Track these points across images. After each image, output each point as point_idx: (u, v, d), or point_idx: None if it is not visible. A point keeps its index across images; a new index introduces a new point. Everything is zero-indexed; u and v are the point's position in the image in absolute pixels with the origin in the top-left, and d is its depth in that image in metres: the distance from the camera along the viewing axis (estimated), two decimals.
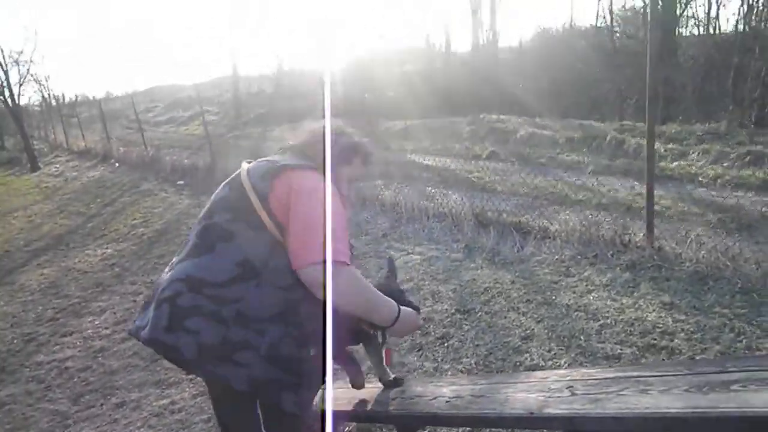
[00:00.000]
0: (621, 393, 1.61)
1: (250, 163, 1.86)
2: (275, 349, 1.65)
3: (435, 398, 2.08)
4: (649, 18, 4.78)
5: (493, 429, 2.45)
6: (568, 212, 5.52)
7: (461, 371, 3.08)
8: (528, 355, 3.15)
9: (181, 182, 10.43)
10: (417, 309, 1.96)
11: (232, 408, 1.91)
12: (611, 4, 19.63)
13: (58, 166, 16.74)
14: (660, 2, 11.04)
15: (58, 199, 11.49)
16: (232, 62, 23.80)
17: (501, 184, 7.52)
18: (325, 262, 1.58)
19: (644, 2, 14.58)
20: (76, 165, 15.99)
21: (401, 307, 1.84)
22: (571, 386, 1.76)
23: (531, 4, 49.60)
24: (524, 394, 1.85)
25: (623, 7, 19.96)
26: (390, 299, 1.83)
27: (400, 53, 23.27)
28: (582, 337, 3.21)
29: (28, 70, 25.97)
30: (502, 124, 11.21)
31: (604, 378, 1.75)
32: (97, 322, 4.72)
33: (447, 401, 2.01)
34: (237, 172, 1.83)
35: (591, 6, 48.46)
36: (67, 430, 3.23)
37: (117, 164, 14.00)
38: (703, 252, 3.82)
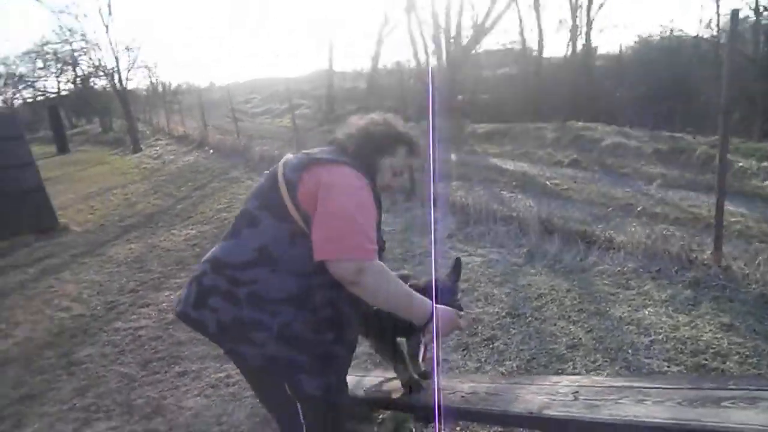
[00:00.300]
0: (619, 401, 1.64)
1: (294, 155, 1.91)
2: (287, 329, 1.72)
3: (453, 393, 2.16)
4: (729, 30, 4.59)
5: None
6: (638, 225, 5.37)
7: (502, 373, 3.12)
8: (571, 363, 3.14)
9: (267, 171, 10.83)
10: (459, 309, 1.97)
11: (261, 386, 2.02)
12: (718, 15, 18.70)
13: (157, 149, 17.71)
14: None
15: (154, 180, 12.21)
16: (328, 57, 24.18)
17: (577, 192, 7.40)
18: (347, 257, 1.63)
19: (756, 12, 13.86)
20: (173, 149, 16.87)
21: (437, 306, 1.83)
22: (577, 391, 1.80)
23: (632, 11, 47.70)
24: (533, 395, 1.90)
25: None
26: (422, 298, 1.82)
27: (496, 55, 23.12)
28: (630, 351, 3.17)
29: (136, 57, 27.55)
30: (588, 132, 10.96)
31: (609, 386, 1.78)
32: (172, 297, 5.01)
33: (462, 396, 2.09)
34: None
35: (695, 16, 46.23)
36: (133, 391, 3.50)
37: (211, 151, 14.67)
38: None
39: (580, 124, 11.69)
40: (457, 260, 2.34)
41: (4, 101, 43.98)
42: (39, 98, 41.19)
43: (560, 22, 19.82)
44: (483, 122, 13.98)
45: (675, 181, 7.86)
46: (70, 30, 23.40)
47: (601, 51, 21.83)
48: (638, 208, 6.24)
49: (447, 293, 2.03)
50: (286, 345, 1.73)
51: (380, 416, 2.80)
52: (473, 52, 18.53)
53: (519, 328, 3.59)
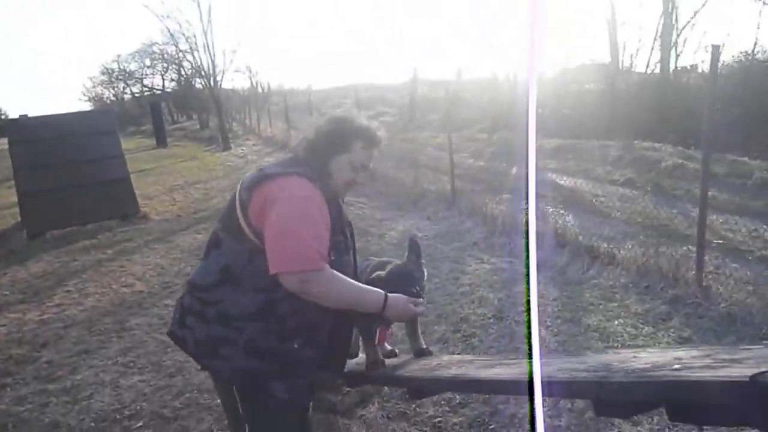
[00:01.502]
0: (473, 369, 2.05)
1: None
2: (253, 343, 1.84)
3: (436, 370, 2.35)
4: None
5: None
6: (643, 244, 5.57)
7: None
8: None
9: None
10: (416, 295, 2.07)
11: (228, 395, 2.27)
12: None
13: (244, 148, 18.82)
14: None
15: (235, 177, 13.09)
16: (412, 66, 24.76)
17: (619, 211, 7.56)
18: (289, 270, 1.75)
19: None
20: (258, 149, 17.90)
21: (389, 295, 1.95)
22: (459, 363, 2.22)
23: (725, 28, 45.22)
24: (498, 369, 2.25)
25: None
26: (374, 290, 1.95)
27: (586, 70, 22.95)
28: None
29: (232, 60, 29.23)
30: (651, 153, 10.93)
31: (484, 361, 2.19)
32: None
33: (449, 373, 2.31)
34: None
35: None
36: (165, 355, 4.13)
37: (291, 154, 15.50)
38: (742, 293, 3.88)
39: (647, 143, 11.66)
40: (411, 240, 2.42)
41: (115, 95, 47.46)
42: (146, 93, 44.13)
43: (655, 38, 19.35)
44: (559, 137, 14.08)
45: (724, 204, 7.86)
46: (171, 34, 25.02)
47: (688, 67, 21.26)
48: (673, 229, 6.39)
49: (406, 280, 2.16)
50: (253, 357, 1.85)
51: (347, 389, 3.28)
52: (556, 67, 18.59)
53: (497, 329, 3.98)
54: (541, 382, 1.50)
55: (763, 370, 1.04)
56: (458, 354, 3.65)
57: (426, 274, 2.40)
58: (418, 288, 2.16)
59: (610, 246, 5.20)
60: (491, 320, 4.12)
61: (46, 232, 8.31)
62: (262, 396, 1.92)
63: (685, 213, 7.60)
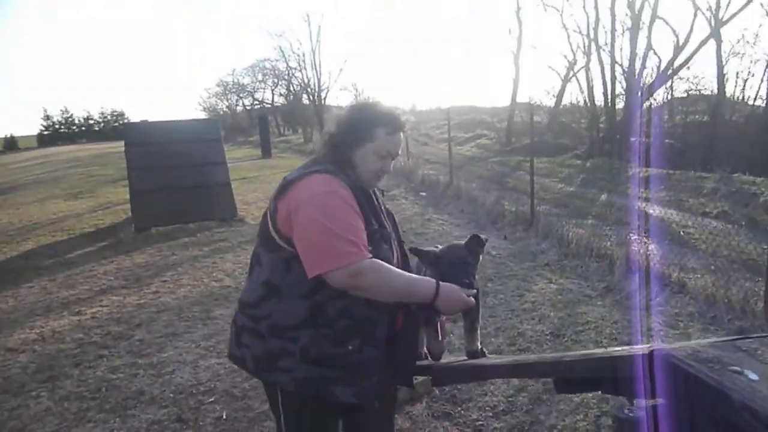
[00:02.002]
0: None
1: None
2: (307, 351, 1.79)
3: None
4: None
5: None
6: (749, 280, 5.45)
7: None
8: None
9: (423, 193, 11.78)
10: (468, 286, 1.93)
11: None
12: None
13: None
14: None
15: None
16: (511, 92, 24.72)
17: (706, 243, 7.37)
18: (335, 266, 1.69)
19: None
20: None
21: (440, 284, 1.83)
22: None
23: None
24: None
25: None
26: (424, 278, 1.87)
27: (688, 100, 22.19)
28: None
29: (337, 78, 30.34)
30: (749, 186, 10.52)
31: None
32: None
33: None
34: None
35: None
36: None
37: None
38: None
39: (745, 177, 11.21)
40: (474, 236, 2.16)
41: (228, 106, 50.14)
42: (256, 106, 46.39)
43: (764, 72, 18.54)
44: (658, 167, 13.75)
45: None
46: (283, 52, 26.33)
47: None
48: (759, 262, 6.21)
49: (459, 266, 1.99)
50: (312, 365, 1.80)
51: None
52: (658, 97, 18.10)
53: (552, 345, 4.08)
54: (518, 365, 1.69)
55: (659, 346, 1.21)
56: None
57: (479, 262, 2.15)
58: (470, 279, 1.98)
59: (681, 274, 5.15)
60: (548, 337, 4.23)
61: (151, 228, 9.06)
62: (328, 402, 1.86)
63: None
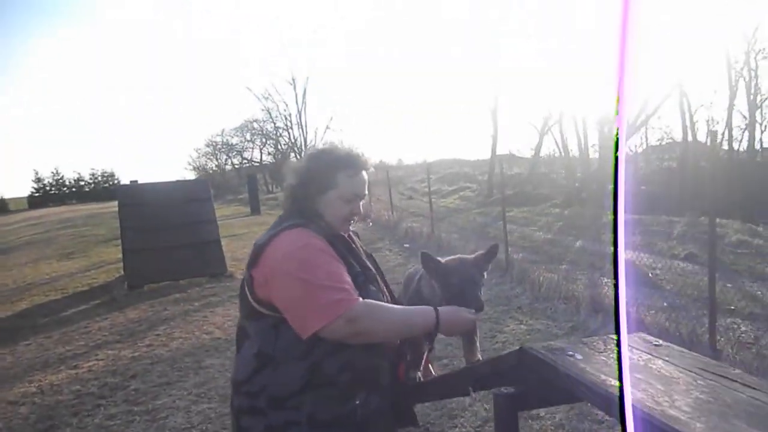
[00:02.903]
0: None
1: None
2: (314, 416, 1.70)
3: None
4: None
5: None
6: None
7: None
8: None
9: (407, 245, 12.18)
10: (480, 308, 1.87)
11: None
12: None
13: None
14: None
15: None
16: (491, 146, 25.53)
17: (671, 283, 7.80)
18: (328, 319, 1.61)
19: None
20: None
21: (439, 310, 1.77)
22: None
23: None
24: None
25: None
26: (421, 308, 1.81)
27: (665, 147, 23.03)
28: None
29: (322, 137, 31.25)
30: (717, 229, 11.03)
31: None
32: None
33: None
34: None
35: None
36: None
37: (371, 223, 16.38)
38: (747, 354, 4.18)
39: (717, 220, 11.73)
40: (493, 248, 2.05)
41: (218, 165, 50.84)
42: (245, 165, 47.14)
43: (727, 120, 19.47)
44: (632, 212, 14.25)
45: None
46: (270, 113, 27.13)
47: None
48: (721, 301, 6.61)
49: (470, 287, 1.91)
50: (322, 429, 1.72)
51: None
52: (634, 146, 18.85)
53: None
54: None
55: (528, 345, 1.63)
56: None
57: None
58: (480, 299, 1.90)
59: (639, 312, 5.53)
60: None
61: (144, 285, 9.37)
62: None
63: (742, 287, 7.74)
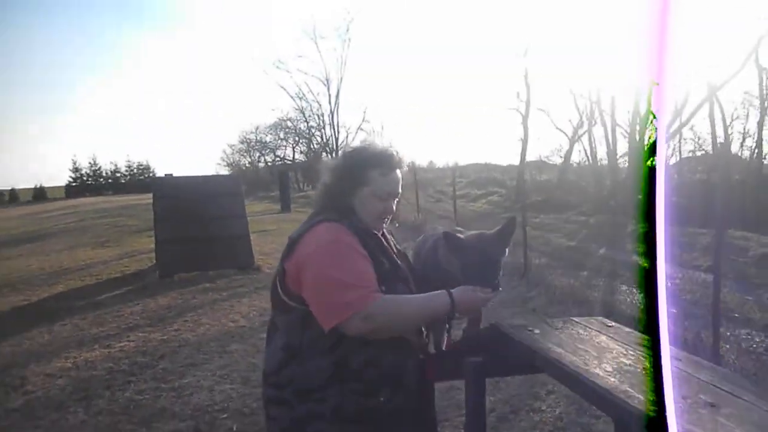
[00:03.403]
0: None
1: None
2: (339, 410, 1.73)
3: None
4: None
5: None
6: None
7: None
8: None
9: None
10: (497, 287, 1.85)
11: None
12: None
13: None
14: None
15: None
16: (520, 151, 25.57)
17: (690, 293, 7.89)
18: (346, 315, 1.66)
19: None
20: None
21: (452, 292, 1.77)
22: None
23: None
24: None
25: None
26: (436, 293, 1.79)
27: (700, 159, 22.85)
28: None
29: (354, 137, 31.74)
30: (741, 241, 11.05)
31: None
32: None
33: None
34: None
35: None
36: (253, 372, 5.07)
37: (397, 224, 16.63)
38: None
39: (739, 233, 11.72)
40: (511, 221, 1.99)
41: (251, 162, 51.55)
42: (277, 163, 47.74)
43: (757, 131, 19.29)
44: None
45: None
46: (303, 113, 27.56)
47: None
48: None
49: (488, 267, 1.88)
50: (347, 424, 1.75)
51: None
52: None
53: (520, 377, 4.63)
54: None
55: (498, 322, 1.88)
56: None
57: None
58: (498, 279, 1.89)
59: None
60: None
61: (174, 275, 9.73)
62: None
63: (760, 300, 7.79)
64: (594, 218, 16.52)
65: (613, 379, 1.39)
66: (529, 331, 1.83)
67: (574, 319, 2.01)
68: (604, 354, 1.58)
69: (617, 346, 1.67)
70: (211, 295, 8.36)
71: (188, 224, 10.22)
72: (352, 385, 1.74)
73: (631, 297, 7.18)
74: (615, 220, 15.46)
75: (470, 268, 1.87)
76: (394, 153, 1.92)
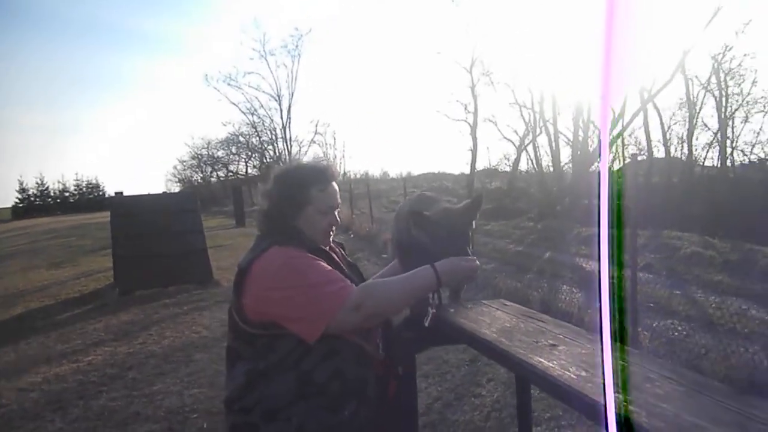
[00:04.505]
0: None
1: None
2: (305, 427, 1.70)
3: None
4: None
5: None
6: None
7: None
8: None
9: (385, 255, 12.85)
10: (465, 254, 1.90)
11: None
12: None
13: None
14: None
15: None
16: (469, 161, 26.35)
17: (623, 289, 8.50)
18: (336, 310, 1.67)
19: None
20: None
21: (436, 266, 1.81)
22: None
23: None
24: None
25: None
26: (419, 270, 1.82)
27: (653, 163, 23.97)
28: None
29: (305, 151, 32.01)
30: (675, 241, 11.84)
31: None
32: None
33: None
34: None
35: None
36: (218, 378, 5.41)
37: (352, 235, 17.05)
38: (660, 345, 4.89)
39: (674, 233, 12.54)
40: (477, 198, 2.08)
41: (203, 178, 51.32)
42: (230, 178, 47.71)
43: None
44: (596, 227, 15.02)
45: (728, 287, 8.68)
46: (255, 128, 27.86)
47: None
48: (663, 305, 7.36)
49: (459, 238, 1.96)
50: None
51: None
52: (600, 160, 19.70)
53: (468, 368, 5.10)
54: None
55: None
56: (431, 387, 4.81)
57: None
58: (469, 249, 1.96)
59: (581, 312, 6.25)
60: (467, 362, 5.24)
61: (134, 291, 9.93)
62: None
63: (687, 294, 8.48)
64: (541, 223, 17.25)
65: (494, 334, 1.86)
66: (449, 310, 2.29)
67: (483, 301, 2.47)
68: (495, 322, 2.06)
69: (506, 316, 2.16)
70: (173, 310, 8.62)
71: (146, 241, 10.45)
72: (316, 400, 1.72)
73: (569, 296, 7.74)
74: (560, 224, 16.22)
75: (440, 242, 1.93)
76: (327, 166, 1.96)
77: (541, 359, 1.62)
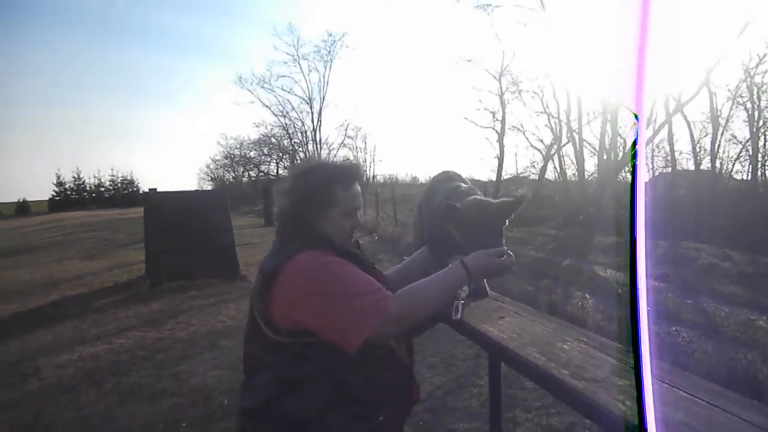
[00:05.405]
0: None
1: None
2: None
3: None
4: None
5: None
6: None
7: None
8: None
9: (406, 258, 13.16)
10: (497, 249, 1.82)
11: None
12: None
13: None
14: None
15: None
16: (496, 166, 26.50)
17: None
18: (375, 323, 1.60)
19: None
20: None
21: (464, 261, 1.76)
22: None
23: None
24: None
25: None
26: (449, 269, 1.78)
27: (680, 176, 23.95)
28: None
29: (335, 154, 32.64)
30: (693, 252, 11.97)
31: None
32: None
33: None
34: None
35: None
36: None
37: (376, 237, 17.38)
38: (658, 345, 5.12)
39: (693, 244, 12.66)
40: (521, 197, 2.07)
41: (235, 177, 52.13)
42: (261, 178, 48.39)
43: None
44: (624, 236, 15.16)
45: (739, 299, 8.82)
46: (286, 130, 28.40)
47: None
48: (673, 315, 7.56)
49: (495, 236, 1.89)
50: None
51: None
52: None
53: (474, 362, 5.40)
54: None
55: None
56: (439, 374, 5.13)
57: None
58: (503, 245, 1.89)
59: (585, 313, 6.49)
60: (473, 357, 5.54)
61: (164, 283, 10.41)
62: None
63: (699, 304, 8.64)
64: (564, 231, 17.41)
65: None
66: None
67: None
68: (492, 313, 2.31)
69: (503, 306, 2.41)
70: (200, 301, 9.05)
71: (177, 236, 10.91)
72: (353, 409, 1.65)
73: (580, 301, 7.98)
74: (582, 232, 16.37)
75: (476, 238, 1.87)
76: (352, 165, 1.89)
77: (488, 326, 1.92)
